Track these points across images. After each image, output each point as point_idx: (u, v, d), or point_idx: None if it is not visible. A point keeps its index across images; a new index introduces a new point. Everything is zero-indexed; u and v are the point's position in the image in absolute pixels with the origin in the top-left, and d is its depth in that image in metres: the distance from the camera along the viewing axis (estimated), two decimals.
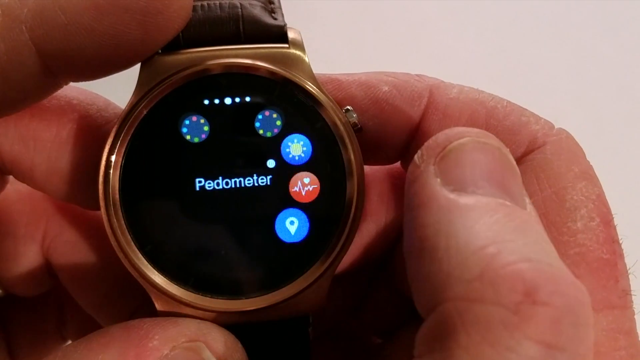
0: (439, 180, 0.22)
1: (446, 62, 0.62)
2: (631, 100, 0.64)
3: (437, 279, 0.20)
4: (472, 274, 0.20)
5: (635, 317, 0.25)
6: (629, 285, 0.25)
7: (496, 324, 0.19)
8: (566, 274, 0.20)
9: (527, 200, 0.23)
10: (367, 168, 0.27)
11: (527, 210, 0.23)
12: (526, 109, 0.28)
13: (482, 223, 0.21)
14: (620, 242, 0.25)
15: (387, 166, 0.31)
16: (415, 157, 0.23)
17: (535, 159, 0.26)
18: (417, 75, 0.28)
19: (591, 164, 0.27)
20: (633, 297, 0.25)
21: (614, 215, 0.26)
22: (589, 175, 0.26)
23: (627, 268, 0.25)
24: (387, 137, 0.28)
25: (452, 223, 0.21)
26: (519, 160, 0.27)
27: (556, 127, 0.27)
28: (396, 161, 0.29)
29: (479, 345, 0.19)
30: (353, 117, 0.27)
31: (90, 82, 0.26)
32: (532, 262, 0.20)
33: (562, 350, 0.19)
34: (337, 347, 0.34)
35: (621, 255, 0.25)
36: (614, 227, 0.26)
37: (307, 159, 0.26)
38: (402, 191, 0.30)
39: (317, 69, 0.27)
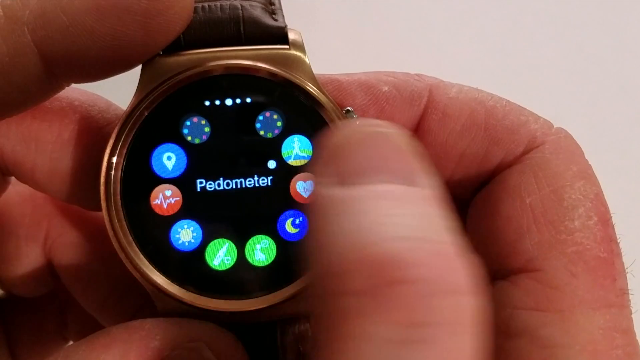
0: (327, 181, 0.20)
1: (446, 62, 0.62)
2: (630, 100, 0.64)
3: (319, 281, 0.19)
4: (344, 267, 0.18)
5: (633, 316, 0.25)
6: (627, 284, 0.25)
7: (352, 314, 0.18)
8: (436, 241, 0.19)
9: (422, 175, 0.21)
10: None
11: (418, 187, 0.20)
12: (525, 109, 0.28)
13: (364, 215, 0.19)
14: (618, 241, 0.26)
15: None
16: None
17: (534, 158, 0.26)
18: (416, 74, 0.29)
19: (590, 163, 0.27)
20: (631, 296, 0.25)
21: (612, 215, 0.26)
22: (587, 175, 0.26)
23: (625, 267, 0.25)
24: None
25: (337, 220, 0.19)
26: (518, 159, 0.27)
27: (555, 126, 0.28)
28: None
29: (338, 340, 0.18)
30: (353, 117, 0.27)
31: (92, 83, 0.26)
32: (394, 241, 0.18)
33: (423, 325, 0.17)
34: None
35: (619, 254, 0.25)
36: (612, 226, 0.26)
37: (308, 159, 0.26)
38: None
39: (317, 70, 0.27)
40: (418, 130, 0.28)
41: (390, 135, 0.21)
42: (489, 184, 0.27)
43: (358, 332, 0.17)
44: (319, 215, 0.20)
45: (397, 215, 0.19)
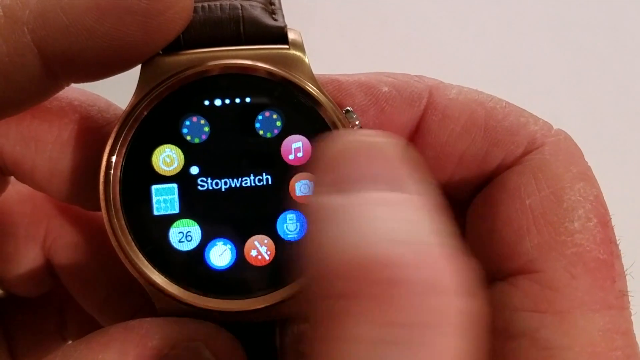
0: (324, 188, 0.21)
1: (446, 63, 0.62)
2: (630, 101, 0.64)
3: (310, 285, 0.19)
4: (334, 271, 0.18)
5: (633, 318, 0.25)
6: (626, 286, 0.25)
7: (339, 317, 0.18)
8: (421, 246, 0.19)
9: (409, 181, 0.21)
10: None
11: (405, 192, 0.21)
12: (525, 110, 0.28)
13: (355, 221, 0.19)
14: (618, 242, 0.26)
15: None
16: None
17: (534, 160, 0.26)
18: (416, 75, 0.29)
19: (589, 164, 0.27)
20: (630, 297, 0.25)
21: (611, 216, 0.26)
22: (587, 176, 0.26)
23: (624, 269, 0.25)
24: None
25: (329, 227, 0.19)
26: (518, 160, 0.27)
27: (555, 128, 0.28)
28: None
29: (326, 342, 0.18)
30: (353, 117, 0.27)
31: (92, 83, 0.26)
32: (380, 243, 0.18)
33: (409, 325, 0.17)
34: None
35: (618, 256, 0.25)
36: (612, 228, 0.26)
37: (308, 159, 0.26)
38: None
39: (316, 69, 0.27)
40: (418, 131, 0.28)
41: (384, 145, 0.21)
42: (489, 185, 0.27)
43: (345, 334, 0.17)
44: (312, 221, 0.20)
45: (385, 220, 0.19)
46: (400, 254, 0.18)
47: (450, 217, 0.21)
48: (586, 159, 0.27)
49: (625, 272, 0.25)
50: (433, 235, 0.19)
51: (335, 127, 0.26)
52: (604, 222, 0.25)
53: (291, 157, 0.26)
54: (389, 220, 0.19)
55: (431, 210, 0.20)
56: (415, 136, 0.28)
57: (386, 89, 0.27)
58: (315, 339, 0.18)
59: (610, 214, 0.26)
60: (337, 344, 0.18)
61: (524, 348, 0.24)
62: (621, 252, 0.25)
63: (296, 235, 0.26)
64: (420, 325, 0.17)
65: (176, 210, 0.26)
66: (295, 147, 0.26)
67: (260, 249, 0.26)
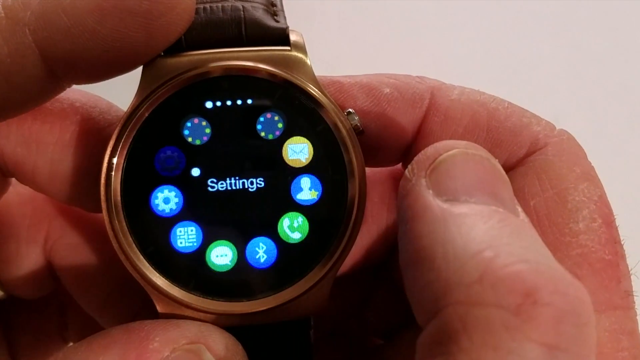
0: (431, 191, 0.22)
1: (447, 63, 0.62)
2: (632, 101, 0.64)
3: (436, 286, 0.20)
4: (472, 278, 0.19)
5: (638, 318, 0.25)
6: (631, 286, 0.25)
7: (497, 327, 0.19)
8: (565, 274, 0.20)
9: (519, 208, 0.23)
10: (368, 170, 0.27)
11: (520, 217, 0.23)
12: (527, 110, 0.28)
13: (477, 229, 0.20)
14: (622, 242, 0.26)
15: (389, 168, 0.31)
16: (406, 171, 0.23)
17: (537, 160, 0.26)
18: (418, 77, 0.28)
19: (593, 165, 0.27)
20: (635, 297, 0.25)
21: (615, 216, 0.26)
22: (590, 176, 0.26)
23: (629, 269, 0.25)
24: (388, 139, 0.28)
25: (448, 231, 0.21)
26: (521, 161, 0.27)
27: (557, 128, 0.27)
28: (397, 163, 0.29)
29: (480, 348, 0.19)
30: (355, 119, 0.27)
31: (93, 84, 0.26)
32: (531, 263, 0.19)
33: (564, 351, 0.19)
34: (338, 348, 0.34)
35: (623, 256, 0.25)
36: (616, 228, 0.26)
37: (309, 161, 0.26)
38: None
39: (318, 71, 0.27)
40: (420, 132, 0.28)
41: (491, 162, 0.23)
42: None
43: (503, 346, 0.19)
44: (422, 221, 0.21)
45: (508, 236, 0.20)
46: (546, 277, 0.19)
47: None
48: (589, 159, 0.27)
49: (630, 272, 0.25)
50: (554, 261, 0.21)
51: (337, 129, 0.26)
52: (609, 222, 0.25)
53: (292, 159, 0.26)
54: (514, 236, 0.21)
55: (537, 234, 0.22)
56: (418, 137, 0.28)
57: (388, 90, 0.27)
58: (464, 343, 0.19)
59: (615, 213, 0.26)
60: (493, 353, 0.19)
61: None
62: (626, 252, 0.25)
63: (297, 237, 0.26)
64: (574, 352, 0.19)
65: (177, 212, 0.26)
66: (297, 148, 0.26)
67: (261, 250, 0.26)
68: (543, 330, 0.19)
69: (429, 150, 0.23)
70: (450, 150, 0.23)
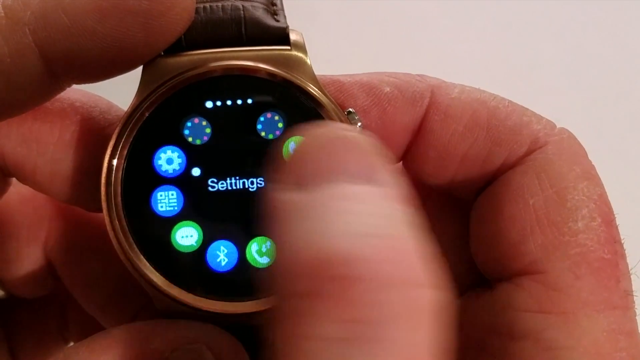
0: (284, 185, 0.20)
1: (447, 62, 0.62)
2: (632, 100, 0.64)
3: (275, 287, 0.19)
4: (293, 270, 0.18)
5: (638, 318, 0.25)
6: (631, 285, 0.25)
7: (302, 315, 0.18)
8: (388, 240, 0.18)
9: (383, 174, 0.21)
10: None
11: (377, 187, 0.20)
12: (528, 109, 0.28)
13: (307, 218, 0.19)
14: (622, 242, 0.25)
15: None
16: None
17: (537, 159, 0.26)
18: (418, 75, 0.28)
19: (593, 163, 0.27)
20: (635, 297, 0.25)
21: (616, 215, 0.26)
22: (590, 175, 0.26)
23: (629, 268, 0.25)
24: (389, 137, 0.28)
25: (284, 228, 0.19)
26: (521, 160, 0.27)
27: (558, 126, 0.27)
28: (398, 162, 0.29)
29: (286, 341, 0.18)
30: (355, 119, 0.27)
31: (93, 84, 0.26)
32: (343, 238, 0.18)
33: (372, 322, 0.17)
34: None
35: (623, 256, 0.25)
36: (616, 227, 0.26)
37: None
38: None
39: (318, 70, 0.27)
40: (420, 131, 0.28)
41: (351, 138, 0.21)
42: (492, 185, 0.27)
43: (308, 332, 0.17)
44: (277, 220, 0.20)
45: (353, 214, 0.19)
46: (364, 248, 0.18)
47: (417, 208, 0.20)
48: (590, 158, 0.27)
49: (630, 272, 0.25)
50: (406, 228, 0.19)
51: None
52: (608, 221, 0.25)
53: None
54: (358, 213, 0.19)
55: (404, 203, 0.20)
56: (418, 136, 0.28)
57: (388, 89, 0.27)
58: (278, 338, 0.18)
59: (615, 212, 0.26)
60: (301, 343, 0.17)
61: (528, 349, 0.24)
62: (626, 251, 0.25)
63: None
64: (387, 320, 0.17)
65: (177, 212, 0.26)
66: None
67: (262, 250, 0.26)
68: (352, 304, 0.17)
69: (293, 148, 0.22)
70: (303, 140, 0.21)
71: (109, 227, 0.26)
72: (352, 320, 0.17)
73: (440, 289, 0.18)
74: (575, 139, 0.27)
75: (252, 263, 0.26)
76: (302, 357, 0.17)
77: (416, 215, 0.20)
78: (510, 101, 0.28)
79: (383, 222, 0.19)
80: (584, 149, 0.27)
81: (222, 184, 0.26)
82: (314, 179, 0.20)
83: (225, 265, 0.26)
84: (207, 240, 0.26)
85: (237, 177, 0.26)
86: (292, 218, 0.19)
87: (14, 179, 0.30)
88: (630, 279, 0.25)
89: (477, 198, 0.28)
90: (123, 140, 0.26)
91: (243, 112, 0.26)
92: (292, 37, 0.27)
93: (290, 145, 0.26)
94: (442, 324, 0.18)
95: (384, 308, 0.17)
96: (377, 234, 0.18)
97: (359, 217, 0.19)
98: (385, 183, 0.20)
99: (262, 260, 0.26)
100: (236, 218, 0.26)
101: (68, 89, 0.27)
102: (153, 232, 0.26)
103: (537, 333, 0.24)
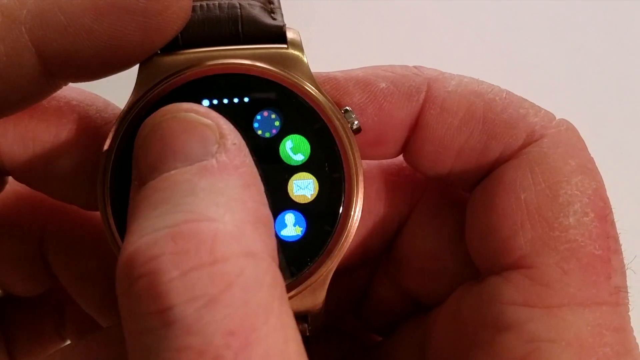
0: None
1: (447, 62, 0.62)
2: (631, 96, 0.64)
3: None
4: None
5: (634, 312, 0.25)
6: (625, 281, 0.25)
7: (123, 314, 0.20)
8: (171, 229, 0.20)
9: (215, 148, 0.22)
10: (364, 164, 0.27)
11: (208, 162, 0.21)
12: (526, 100, 0.27)
13: (132, 221, 0.21)
14: (619, 236, 0.25)
15: (386, 161, 0.31)
16: None
17: (531, 153, 0.26)
18: (415, 67, 0.28)
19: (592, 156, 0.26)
20: (631, 293, 0.25)
21: (612, 210, 0.26)
22: (587, 169, 0.26)
23: (625, 264, 0.25)
24: (386, 133, 0.28)
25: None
26: (516, 153, 0.27)
27: (558, 118, 0.27)
28: (396, 156, 0.29)
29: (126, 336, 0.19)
30: (352, 117, 0.27)
31: (90, 82, 0.26)
32: (144, 236, 0.19)
33: (170, 308, 0.18)
34: (335, 345, 0.34)
35: (616, 251, 0.25)
36: (611, 222, 0.25)
37: (306, 159, 0.26)
38: (399, 187, 0.30)
39: (316, 69, 0.27)
40: (417, 125, 0.28)
41: (178, 119, 0.22)
42: (486, 178, 0.27)
43: (128, 329, 0.19)
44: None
45: (165, 205, 0.20)
46: (155, 245, 0.19)
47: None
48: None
49: (626, 267, 0.25)
50: (203, 205, 0.20)
51: (334, 127, 0.26)
52: (602, 216, 0.25)
53: (289, 157, 0.26)
54: (169, 204, 0.20)
55: (238, 174, 0.21)
56: (415, 130, 0.28)
57: (384, 85, 0.27)
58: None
59: (614, 208, 0.26)
60: (128, 338, 0.19)
61: (510, 340, 0.24)
62: (622, 246, 0.25)
63: (295, 236, 0.26)
64: (180, 304, 0.18)
65: None
66: (294, 147, 0.26)
67: None
68: (140, 300, 0.19)
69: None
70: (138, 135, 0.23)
71: (105, 226, 0.26)
72: (157, 310, 0.18)
73: (247, 256, 0.20)
74: (575, 131, 0.27)
75: None
76: (134, 351, 0.19)
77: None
78: (508, 92, 0.27)
79: (190, 206, 0.20)
80: (583, 142, 0.27)
81: None
82: (148, 173, 0.21)
83: None
84: None
85: None
86: (131, 217, 0.21)
87: (10, 178, 0.30)
88: (625, 274, 0.25)
89: (473, 191, 0.28)
90: (119, 139, 0.26)
91: (239, 111, 0.26)
92: (289, 35, 0.27)
93: (287, 143, 0.26)
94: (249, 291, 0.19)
95: (172, 296, 0.19)
96: (174, 223, 0.19)
97: (167, 207, 0.20)
98: (196, 158, 0.21)
99: None
100: None
101: (64, 88, 0.27)
102: None
103: (520, 325, 0.24)
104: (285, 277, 0.26)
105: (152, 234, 0.19)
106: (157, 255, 0.19)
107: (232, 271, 0.19)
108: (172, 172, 0.21)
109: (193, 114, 0.22)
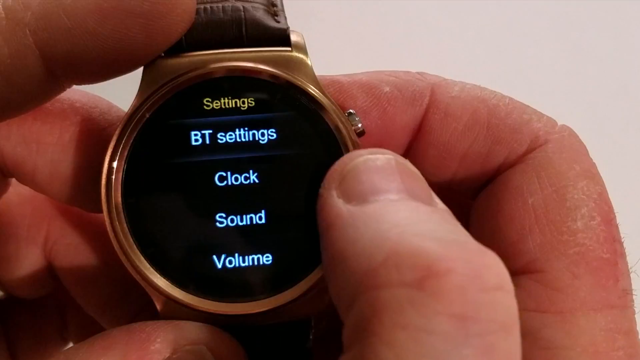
0: (341, 200, 0.22)
1: (448, 63, 0.62)
2: (632, 99, 0.64)
3: (351, 282, 0.20)
4: (377, 262, 0.19)
5: (637, 316, 0.25)
6: (630, 284, 0.25)
7: (404, 305, 0.18)
8: (470, 243, 0.20)
9: (437, 199, 0.23)
10: None
11: (439, 206, 0.22)
12: (529, 107, 0.28)
13: (385, 219, 0.20)
14: (622, 240, 0.25)
15: None
16: (320, 189, 0.23)
17: (537, 157, 0.26)
18: (418, 73, 0.28)
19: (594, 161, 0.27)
20: (635, 296, 0.25)
21: (616, 214, 0.26)
22: (591, 174, 0.26)
23: (629, 267, 0.25)
24: (389, 137, 0.28)
25: (356, 229, 0.21)
26: (521, 158, 0.27)
27: (559, 124, 0.27)
28: None
29: (391, 330, 0.18)
30: (355, 120, 0.27)
31: (93, 85, 0.26)
32: (435, 239, 0.19)
33: (474, 320, 0.18)
34: (339, 348, 0.34)
35: (622, 255, 0.25)
36: (616, 226, 0.26)
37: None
38: None
39: (318, 70, 0.27)
40: (420, 130, 0.28)
41: (397, 160, 0.23)
42: (492, 183, 0.27)
43: (412, 323, 0.18)
44: (334, 228, 0.21)
45: (415, 221, 0.20)
46: (447, 249, 0.19)
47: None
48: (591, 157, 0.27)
49: (630, 270, 0.25)
50: (469, 237, 0.20)
51: (338, 130, 0.26)
52: (608, 220, 0.25)
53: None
54: (419, 221, 0.20)
55: (456, 221, 0.22)
56: (418, 135, 0.28)
57: (388, 89, 0.27)
58: (366, 331, 0.19)
59: (615, 211, 0.26)
60: (401, 333, 0.18)
61: (526, 348, 0.24)
62: (626, 249, 0.25)
63: (298, 238, 0.26)
64: (485, 319, 0.18)
65: (178, 213, 0.26)
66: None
67: (261, 251, 0.26)
68: (448, 301, 0.18)
69: (337, 164, 0.24)
70: (355, 159, 0.23)
71: (109, 228, 0.26)
72: (460, 316, 0.18)
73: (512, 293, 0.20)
74: (577, 136, 0.27)
75: (253, 264, 0.26)
76: (403, 348, 0.18)
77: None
78: (510, 98, 0.28)
79: (449, 229, 0.21)
80: (585, 147, 0.27)
81: (222, 184, 0.26)
82: (368, 194, 0.22)
83: (225, 266, 0.26)
84: (207, 241, 0.26)
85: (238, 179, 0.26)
86: (349, 224, 0.21)
87: (13, 180, 0.30)
88: (630, 277, 0.25)
89: (477, 197, 0.28)
90: (123, 141, 0.26)
91: (243, 113, 0.26)
92: (293, 38, 0.27)
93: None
94: (515, 327, 0.19)
95: (486, 307, 0.18)
96: (450, 238, 0.20)
97: (424, 224, 0.20)
98: (435, 203, 0.22)
99: (265, 261, 0.26)
100: (236, 219, 0.26)
101: (68, 90, 0.27)
102: (154, 233, 0.26)
103: (534, 332, 0.24)
104: (288, 280, 0.26)
105: (453, 240, 0.20)
106: (469, 259, 0.19)
107: (513, 302, 0.19)
108: (409, 201, 0.22)
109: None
